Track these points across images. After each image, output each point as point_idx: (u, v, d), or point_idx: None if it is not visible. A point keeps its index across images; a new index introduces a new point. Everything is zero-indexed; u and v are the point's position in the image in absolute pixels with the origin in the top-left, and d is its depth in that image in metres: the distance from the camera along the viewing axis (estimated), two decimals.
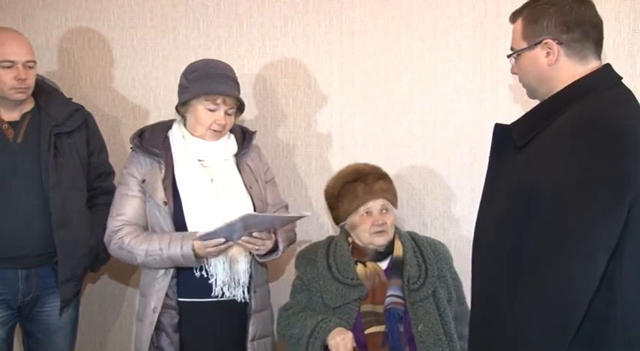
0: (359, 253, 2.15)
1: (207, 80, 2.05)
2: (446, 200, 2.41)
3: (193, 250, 1.96)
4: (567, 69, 1.48)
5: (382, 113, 2.45)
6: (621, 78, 1.52)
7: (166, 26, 2.61)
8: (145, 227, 2.10)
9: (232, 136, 2.18)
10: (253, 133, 2.23)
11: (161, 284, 2.06)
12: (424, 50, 2.38)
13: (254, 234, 1.97)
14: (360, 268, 2.12)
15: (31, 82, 2.19)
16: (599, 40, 1.50)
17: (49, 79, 2.45)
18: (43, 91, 2.30)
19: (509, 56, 1.58)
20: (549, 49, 1.48)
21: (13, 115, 2.22)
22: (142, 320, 2.09)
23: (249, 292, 2.09)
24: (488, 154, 2.36)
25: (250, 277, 2.09)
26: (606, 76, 1.48)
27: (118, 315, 2.77)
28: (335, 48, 2.46)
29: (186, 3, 2.59)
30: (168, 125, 2.17)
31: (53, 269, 2.24)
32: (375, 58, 2.43)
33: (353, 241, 2.18)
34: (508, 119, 2.26)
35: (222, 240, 1.95)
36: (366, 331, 2.02)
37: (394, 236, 2.18)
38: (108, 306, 2.78)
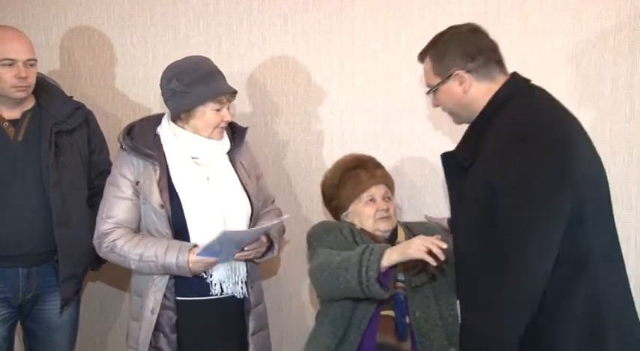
0: (372, 239, 2.13)
1: (208, 81, 2.01)
2: (446, 198, 2.41)
3: (188, 263, 1.95)
4: (482, 90, 1.66)
5: (382, 111, 2.45)
6: (529, 80, 1.70)
7: (166, 24, 2.62)
8: (137, 229, 2.08)
9: (225, 133, 2.15)
10: (245, 129, 2.21)
11: (158, 285, 2.04)
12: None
13: (245, 248, 2.00)
14: None
15: (32, 80, 2.19)
16: (500, 59, 1.70)
17: (50, 77, 2.45)
18: (44, 89, 2.30)
19: (427, 93, 1.76)
20: (461, 78, 1.67)
21: (13, 114, 2.22)
22: (137, 319, 2.07)
23: (246, 287, 2.09)
24: None
25: (247, 273, 2.10)
26: (517, 83, 1.67)
27: (118, 314, 2.77)
28: (335, 46, 2.47)
29: (186, 1, 2.59)
30: (156, 120, 2.13)
31: (54, 268, 2.24)
32: (375, 56, 2.43)
33: (361, 228, 2.16)
34: None
35: (216, 260, 1.97)
36: (382, 313, 2.01)
37: (396, 223, 2.18)
38: (109, 305, 2.78)
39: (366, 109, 2.46)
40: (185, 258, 1.95)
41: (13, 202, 2.17)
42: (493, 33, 2.25)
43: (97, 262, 2.37)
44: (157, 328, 2.03)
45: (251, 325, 2.11)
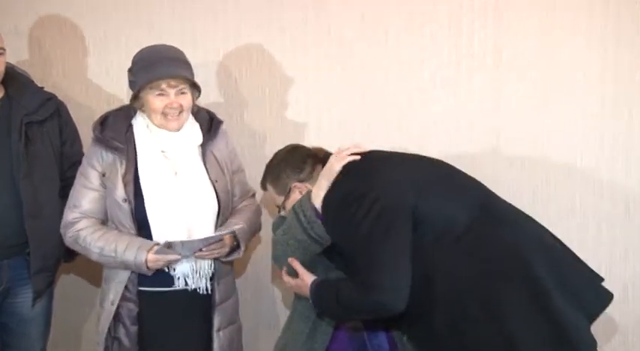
0: None
1: (148, 68, 2.00)
2: None
3: (145, 262, 1.96)
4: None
5: (358, 102, 2.45)
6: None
7: (140, 15, 2.58)
8: (104, 220, 2.07)
9: (197, 125, 2.13)
10: (220, 122, 2.19)
11: (121, 276, 2.04)
12: (400, 38, 2.39)
13: (203, 250, 2.00)
14: None
15: (1, 69, 2.15)
16: (322, 159, 1.96)
17: (19, 67, 2.40)
18: (13, 79, 2.25)
19: (279, 212, 2.02)
20: (299, 188, 1.95)
21: None
22: (102, 306, 2.10)
23: (212, 283, 2.08)
24: (463, 141, 2.40)
25: (214, 268, 2.09)
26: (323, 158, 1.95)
27: (93, 306, 2.72)
28: (311, 37, 2.46)
29: None
30: (133, 111, 2.12)
31: (25, 260, 2.20)
32: (350, 46, 2.43)
33: None
34: (482, 106, 2.34)
35: (178, 257, 1.98)
36: None
37: None
38: (82, 297, 2.74)
39: (343, 99, 2.46)
40: (143, 258, 1.96)
41: None
42: (468, 22, 2.29)
43: (69, 254, 2.33)
44: (117, 319, 2.05)
45: (216, 321, 2.09)
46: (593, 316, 1.75)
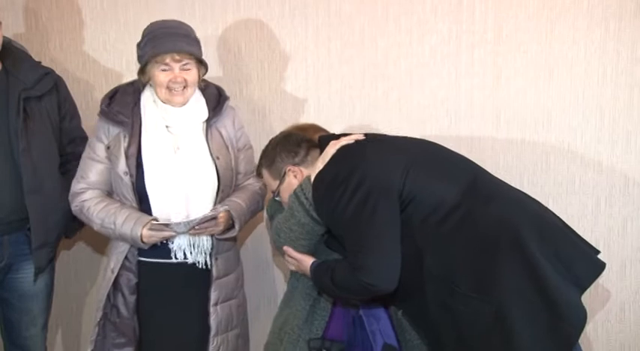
0: None
1: (155, 42, 2.03)
2: None
3: (140, 236, 2.00)
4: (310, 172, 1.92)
5: (358, 77, 2.44)
6: (331, 137, 1.97)
7: None
8: (110, 192, 2.13)
9: (203, 100, 2.14)
10: (226, 98, 2.20)
11: (122, 246, 2.09)
12: (400, 13, 2.36)
13: (196, 227, 2.02)
14: None
15: None
16: (313, 144, 1.98)
17: (16, 41, 2.38)
18: (10, 53, 2.22)
19: (274, 197, 2.02)
20: (293, 172, 1.95)
21: None
22: (104, 275, 2.16)
23: (211, 258, 2.10)
24: (463, 117, 2.40)
25: (212, 244, 2.11)
26: (326, 143, 1.94)
27: (94, 281, 2.76)
28: (310, 11, 2.43)
29: None
30: (142, 86, 2.13)
31: (26, 236, 2.21)
32: (350, 21, 2.41)
33: None
34: (483, 81, 2.33)
35: (172, 233, 2.02)
36: None
37: None
38: (83, 272, 2.76)
39: (342, 74, 2.45)
40: (138, 232, 2.00)
41: None
42: None
43: (71, 229, 2.35)
44: (117, 288, 2.10)
45: (213, 295, 2.11)
46: (584, 286, 1.77)
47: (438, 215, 1.75)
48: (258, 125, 2.54)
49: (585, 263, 1.77)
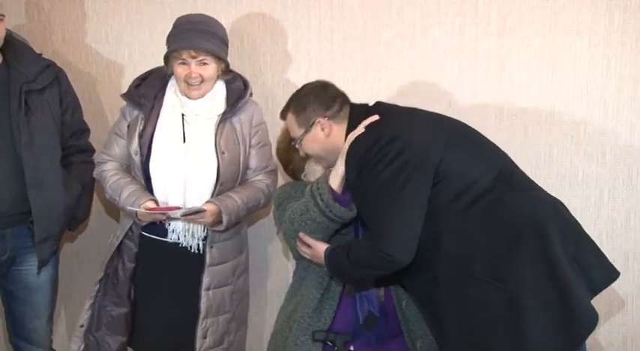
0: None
1: (176, 37, 2.14)
2: None
3: (135, 214, 2.13)
4: (341, 132, 1.92)
5: (361, 69, 2.44)
6: (366, 104, 1.98)
7: None
8: (128, 165, 2.27)
9: (223, 94, 2.21)
10: (245, 94, 2.25)
11: (129, 218, 2.22)
12: (403, 5, 2.36)
13: (184, 218, 2.12)
14: None
15: (1, 35, 2.13)
16: (346, 100, 1.97)
17: (18, 33, 2.38)
18: (11, 46, 2.22)
19: (294, 144, 1.98)
20: (323, 125, 1.91)
21: None
22: (110, 243, 2.30)
23: (204, 244, 2.18)
24: (466, 110, 2.40)
25: (207, 231, 2.19)
26: (355, 112, 1.94)
27: (99, 272, 2.76)
28: (313, 3, 2.43)
29: None
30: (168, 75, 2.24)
31: (29, 229, 2.22)
32: (353, 13, 2.41)
33: None
34: (486, 75, 2.33)
35: (162, 217, 2.14)
36: None
37: None
38: (87, 264, 2.77)
39: (345, 66, 2.45)
40: (134, 209, 2.13)
41: None
42: None
43: (73, 222, 2.37)
44: (119, 254, 2.24)
45: (205, 280, 2.19)
46: (596, 291, 1.79)
47: (468, 197, 1.75)
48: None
49: (601, 269, 1.80)
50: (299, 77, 2.50)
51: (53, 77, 2.27)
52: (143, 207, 2.12)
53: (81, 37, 2.64)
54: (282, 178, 2.46)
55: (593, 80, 2.26)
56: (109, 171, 2.25)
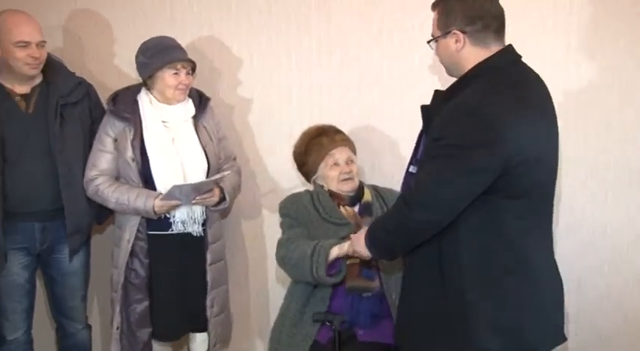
0: (337, 198, 2.37)
1: (165, 52, 2.41)
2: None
3: (153, 207, 2.37)
4: (472, 54, 1.75)
5: (355, 84, 2.65)
6: (519, 56, 1.79)
7: (164, 4, 2.78)
8: (117, 177, 2.48)
9: (190, 100, 2.51)
10: (208, 99, 2.58)
11: (133, 221, 2.46)
12: (393, 29, 2.60)
13: (197, 198, 2.41)
14: (342, 209, 2.36)
15: (43, 58, 2.42)
16: (500, 28, 1.77)
17: (54, 54, 2.59)
18: (50, 65, 2.50)
19: (429, 42, 1.85)
20: (457, 37, 1.75)
21: (24, 89, 2.45)
22: (119, 246, 2.51)
23: (204, 227, 2.50)
24: None
25: (205, 215, 2.51)
26: (505, 56, 1.76)
27: (117, 276, 2.90)
28: (313, 26, 2.67)
29: None
30: (136, 89, 2.51)
31: (63, 223, 2.51)
32: (349, 34, 2.64)
33: (329, 189, 2.39)
34: None
35: (179, 202, 2.40)
36: (347, 262, 2.23)
37: (363, 185, 2.44)
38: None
39: (342, 82, 2.67)
40: (151, 204, 2.38)
41: (26, 166, 2.42)
42: None
43: (101, 216, 2.66)
44: (133, 254, 2.47)
45: (208, 257, 2.53)
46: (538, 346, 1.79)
47: (515, 201, 1.70)
48: (270, 128, 2.79)
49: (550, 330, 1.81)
50: (302, 92, 2.71)
51: (85, 92, 2.55)
52: (160, 197, 2.37)
53: (109, 59, 2.87)
54: (297, 178, 2.68)
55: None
56: (103, 184, 2.44)
